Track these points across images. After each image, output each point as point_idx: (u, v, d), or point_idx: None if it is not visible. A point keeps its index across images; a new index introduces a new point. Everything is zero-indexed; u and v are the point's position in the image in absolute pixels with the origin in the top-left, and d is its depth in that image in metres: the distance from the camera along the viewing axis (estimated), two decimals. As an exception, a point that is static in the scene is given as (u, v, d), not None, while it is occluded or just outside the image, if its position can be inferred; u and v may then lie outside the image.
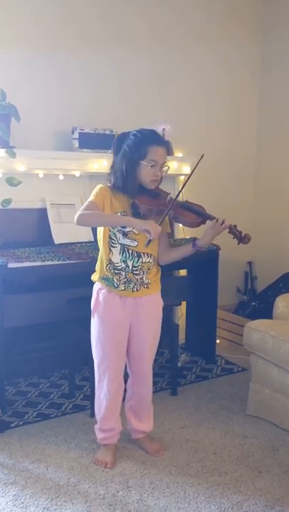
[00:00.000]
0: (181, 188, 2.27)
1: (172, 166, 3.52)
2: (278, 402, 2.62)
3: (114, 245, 2.19)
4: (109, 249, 2.20)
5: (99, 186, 2.20)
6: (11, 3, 3.04)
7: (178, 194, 2.22)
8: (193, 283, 3.53)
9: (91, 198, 2.17)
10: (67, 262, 2.76)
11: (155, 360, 3.39)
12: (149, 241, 2.07)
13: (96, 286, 2.26)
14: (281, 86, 3.96)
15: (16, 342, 3.10)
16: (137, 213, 2.17)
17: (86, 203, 2.16)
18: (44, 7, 3.14)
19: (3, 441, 2.49)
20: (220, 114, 3.97)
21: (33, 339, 3.17)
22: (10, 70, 3.07)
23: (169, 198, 2.21)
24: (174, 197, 2.21)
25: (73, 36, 3.26)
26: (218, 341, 3.61)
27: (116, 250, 2.19)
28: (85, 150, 3.20)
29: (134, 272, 2.20)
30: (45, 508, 2.03)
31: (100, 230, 2.23)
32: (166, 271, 3.54)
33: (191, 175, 2.24)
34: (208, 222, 2.23)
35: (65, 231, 3.09)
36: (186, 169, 3.59)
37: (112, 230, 2.18)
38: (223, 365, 3.46)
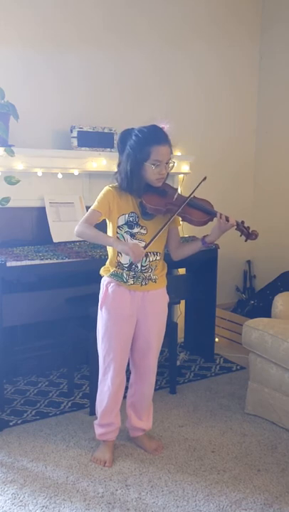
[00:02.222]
0: (190, 195, 2.22)
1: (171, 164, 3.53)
2: (277, 401, 2.62)
3: None
4: (118, 252, 2.20)
5: (105, 189, 2.20)
6: (10, 1, 3.04)
7: (188, 198, 2.19)
8: (192, 281, 3.53)
9: (95, 204, 2.17)
10: (66, 260, 2.76)
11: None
12: (132, 264, 2.10)
13: (105, 281, 2.27)
14: (280, 85, 3.96)
15: (15, 341, 3.11)
16: (145, 213, 2.18)
17: (88, 212, 2.17)
18: (43, 6, 3.14)
19: (2, 440, 2.49)
20: (219, 113, 3.97)
21: (32, 338, 3.17)
22: (9, 68, 3.07)
23: (176, 195, 2.19)
24: (181, 194, 2.19)
25: (72, 35, 3.26)
26: (216, 340, 3.62)
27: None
28: (83, 148, 3.20)
29: (143, 271, 2.22)
30: (43, 506, 2.03)
31: (108, 232, 2.23)
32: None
33: (195, 190, 2.21)
34: (215, 219, 2.22)
35: (63, 230, 3.09)
36: (186, 168, 3.60)
37: (119, 231, 2.19)
38: (222, 363, 3.46)
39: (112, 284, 2.23)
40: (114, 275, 2.22)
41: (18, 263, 2.67)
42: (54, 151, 3.17)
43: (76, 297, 2.86)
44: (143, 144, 2.10)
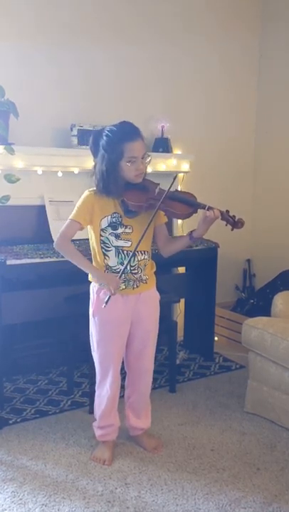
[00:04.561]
0: (171, 184, 2.16)
1: (171, 163, 3.53)
2: (276, 400, 2.62)
3: (109, 249, 2.16)
4: (104, 254, 2.17)
5: (84, 195, 2.17)
6: (10, -1, 3.04)
7: (168, 190, 2.13)
8: (191, 280, 3.53)
9: (73, 213, 2.14)
10: (66, 259, 2.75)
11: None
12: (109, 297, 2.07)
13: (94, 287, 2.23)
14: (280, 83, 3.95)
15: (15, 339, 3.11)
16: (127, 211, 2.13)
17: (67, 223, 2.14)
18: (43, 3, 3.13)
19: (2, 438, 2.50)
20: (219, 112, 3.96)
21: (32, 336, 3.17)
22: (9, 66, 3.06)
23: (158, 189, 2.14)
24: (163, 188, 2.14)
25: (73, 32, 3.25)
26: (216, 339, 3.62)
27: (111, 254, 2.17)
28: (83, 147, 3.19)
29: (133, 272, 2.18)
30: (43, 504, 2.03)
31: (92, 236, 2.20)
32: (165, 268, 3.57)
33: (171, 185, 2.15)
34: (200, 211, 2.17)
35: (63, 228, 3.08)
36: (185, 166, 3.60)
37: (103, 234, 2.16)
38: (221, 362, 3.46)
39: (102, 291, 2.18)
40: (104, 284, 2.17)
41: (18, 261, 2.67)
42: (54, 149, 3.16)
43: (75, 295, 2.86)
44: (115, 143, 2.06)
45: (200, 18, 3.76)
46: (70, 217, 2.15)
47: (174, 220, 3.47)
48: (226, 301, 4.04)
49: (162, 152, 3.48)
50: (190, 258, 3.36)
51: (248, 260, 4.27)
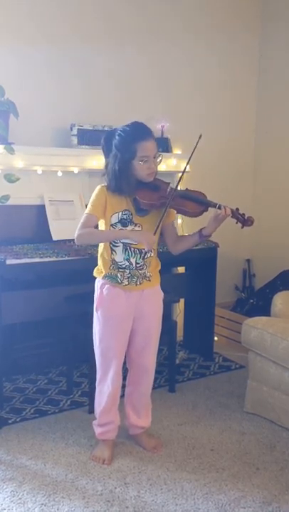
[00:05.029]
0: (180, 178, 2.25)
1: (171, 163, 3.53)
2: (276, 400, 2.62)
3: (117, 245, 2.19)
4: (112, 250, 2.20)
5: (98, 189, 2.20)
6: (10, -1, 3.04)
7: (177, 184, 2.20)
8: (191, 280, 3.53)
9: (89, 208, 2.17)
10: (66, 258, 2.76)
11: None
12: (145, 252, 2.11)
13: (99, 282, 2.26)
14: (280, 83, 3.96)
15: (14, 339, 3.11)
16: (139, 209, 2.17)
17: (84, 217, 2.17)
18: (43, 3, 3.13)
19: (1, 438, 2.49)
20: (219, 112, 3.96)
21: (31, 336, 3.17)
22: (9, 66, 3.06)
23: (169, 188, 2.19)
24: (173, 187, 2.19)
25: (72, 32, 3.25)
26: (216, 338, 3.62)
27: (119, 249, 2.19)
28: (83, 147, 3.20)
29: (138, 268, 2.21)
30: (42, 504, 2.03)
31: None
32: (165, 268, 3.56)
33: (190, 158, 2.22)
34: (210, 209, 2.21)
35: (63, 228, 3.08)
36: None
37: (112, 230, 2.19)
38: (221, 362, 3.46)
39: (106, 286, 2.22)
40: (108, 277, 2.21)
41: (18, 261, 2.67)
42: (54, 149, 3.17)
43: (75, 295, 2.86)
44: (128, 142, 2.10)
45: (200, 18, 3.76)
46: (86, 211, 2.18)
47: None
48: (226, 301, 4.04)
49: (162, 152, 3.45)
50: (190, 258, 3.35)
51: (248, 260, 4.27)
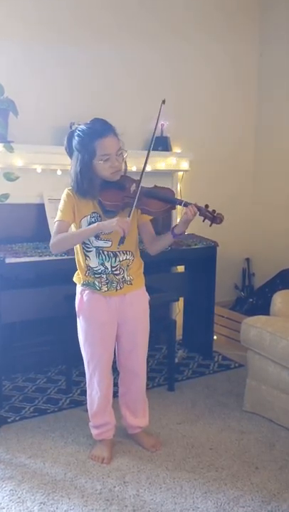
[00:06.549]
0: (142, 173, 2.08)
1: (171, 161, 3.53)
2: (275, 399, 2.63)
3: (90, 249, 2.14)
4: (85, 255, 2.16)
5: (65, 193, 2.13)
6: (10, -3, 3.03)
7: (139, 181, 2.05)
8: (190, 279, 3.53)
9: (59, 214, 2.10)
10: (65, 257, 2.75)
11: (152, 356, 3.40)
12: (122, 238, 1.98)
13: (79, 288, 2.24)
14: (281, 83, 3.95)
15: (14, 337, 3.10)
16: (105, 211, 2.09)
17: (55, 225, 2.09)
18: (45, 2, 3.12)
19: (0, 436, 2.49)
20: (219, 111, 3.95)
21: (31, 334, 3.17)
22: (8, 64, 3.06)
23: (133, 186, 2.07)
24: (141, 185, 2.06)
25: (72, 31, 3.24)
26: (215, 337, 3.62)
27: (92, 254, 2.15)
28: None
29: (114, 273, 2.15)
30: (41, 503, 2.03)
31: None
32: (164, 267, 3.57)
33: (156, 127, 2.10)
34: (179, 207, 2.12)
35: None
36: (185, 165, 3.59)
37: None
38: (220, 361, 3.46)
39: (86, 292, 2.19)
40: (86, 284, 2.18)
41: (17, 259, 2.67)
42: (53, 147, 3.15)
43: (75, 294, 2.85)
44: (86, 142, 2.02)
45: (199, 17, 3.75)
46: (56, 218, 2.11)
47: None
48: (225, 300, 4.04)
49: (162, 151, 3.48)
50: (189, 257, 3.36)
51: (247, 259, 4.27)
